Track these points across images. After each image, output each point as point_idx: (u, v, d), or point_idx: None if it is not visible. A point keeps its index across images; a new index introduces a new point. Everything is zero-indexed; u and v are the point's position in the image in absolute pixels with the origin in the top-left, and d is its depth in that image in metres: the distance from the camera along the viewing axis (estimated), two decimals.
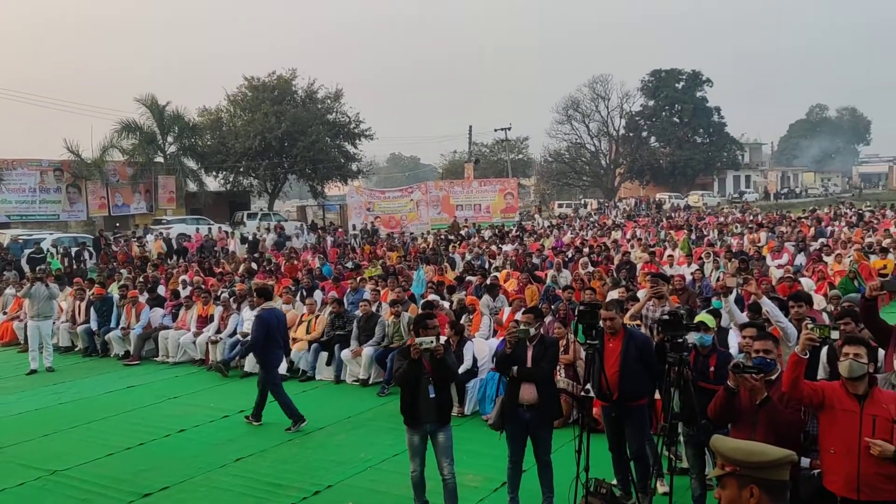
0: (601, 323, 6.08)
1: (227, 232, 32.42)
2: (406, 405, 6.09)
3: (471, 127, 64.08)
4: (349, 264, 20.02)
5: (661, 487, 6.38)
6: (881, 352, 5.39)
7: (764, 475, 2.38)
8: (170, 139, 40.22)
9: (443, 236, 29.64)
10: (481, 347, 9.81)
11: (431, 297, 12.67)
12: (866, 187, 72.56)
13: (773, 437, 4.57)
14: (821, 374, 5.81)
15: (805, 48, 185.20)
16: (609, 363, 6.11)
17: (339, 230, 36.77)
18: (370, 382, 10.88)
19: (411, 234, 32.27)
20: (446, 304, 12.10)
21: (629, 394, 6.04)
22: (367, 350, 10.96)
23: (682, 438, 6.22)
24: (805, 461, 5.01)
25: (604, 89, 69.04)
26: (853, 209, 35.73)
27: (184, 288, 15.75)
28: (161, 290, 16.10)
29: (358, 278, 15.27)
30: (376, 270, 17.93)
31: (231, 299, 13.38)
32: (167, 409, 10.15)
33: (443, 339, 6.55)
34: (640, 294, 10.26)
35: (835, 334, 4.58)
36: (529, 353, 6.18)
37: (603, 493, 5.74)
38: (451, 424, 6.24)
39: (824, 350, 5.87)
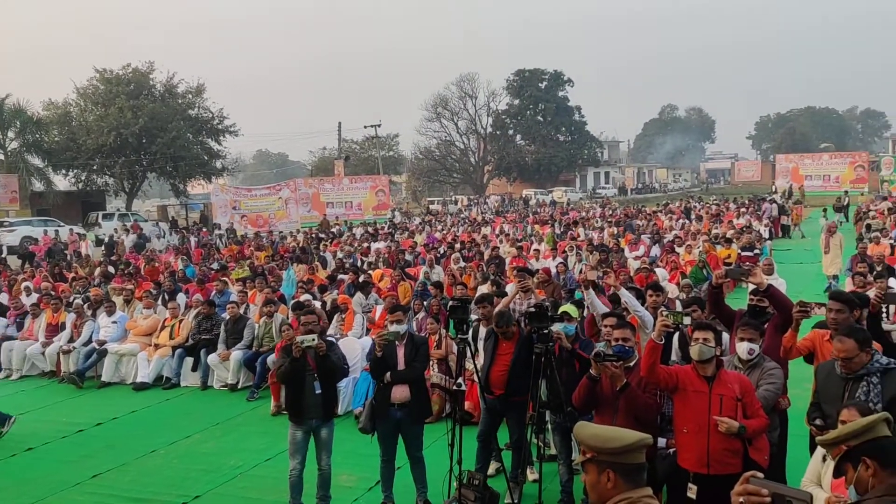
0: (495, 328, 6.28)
1: (79, 234, 30.29)
2: (291, 401, 6.21)
3: (340, 123, 63.65)
4: (214, 265, 19.28)
5: (531, 475, 6.58)
6: (726, 336, 5.80)
7: (619, 459, 2.46)
8: (10, 135, 37.11)
9: (313, 234, 29.16)
10: (353, 346, 9.72)
11: (303, 297, 12.43)
12: (712, 182, 78.09)
13: (633, 421, 4.83)
14: (674, 358, 6.19)
15: (656, 51, 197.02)
16: (500, 362, 6.30)
17: (204, 230, 35.32)
18: (239, 387, 10.52)
19: (280, 232, 31.48)
20: (318, 304, 11.91)
21: (515, 391, 6.23)
22: (236, 354, 10.59)
23: (549, 426, 6.45)
24: (662, 441, 5.32)
25: (471, 88, 70.44)
26: (702, 203, 38.31)
27: (28, 295, 14.58)
28: (4, 297, 14.84)
29: (223, 279, 14.73)
30: (244, 271, 17.35)
31: (85, 305, 12.53)
32: (13, 426, 9.36)
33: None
34: (509, 288, 10.54)
35: (686, 320, 4.89)
36: (401, 354, 6.21)
37: (476, 485, 5.84)
38: (334, 420, 6.37)
39: (676, 335, 6.26)
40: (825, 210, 28.91)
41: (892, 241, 16.55)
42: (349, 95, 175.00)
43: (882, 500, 2.59)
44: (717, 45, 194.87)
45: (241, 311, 11.32)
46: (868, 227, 20.62)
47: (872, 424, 2.84)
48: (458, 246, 20.02)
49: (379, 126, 58.47)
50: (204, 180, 46.55)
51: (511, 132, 71.64)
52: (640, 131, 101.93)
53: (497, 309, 6.96)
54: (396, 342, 6.18)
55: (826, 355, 5.00)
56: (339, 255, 20.64)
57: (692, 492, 4.51)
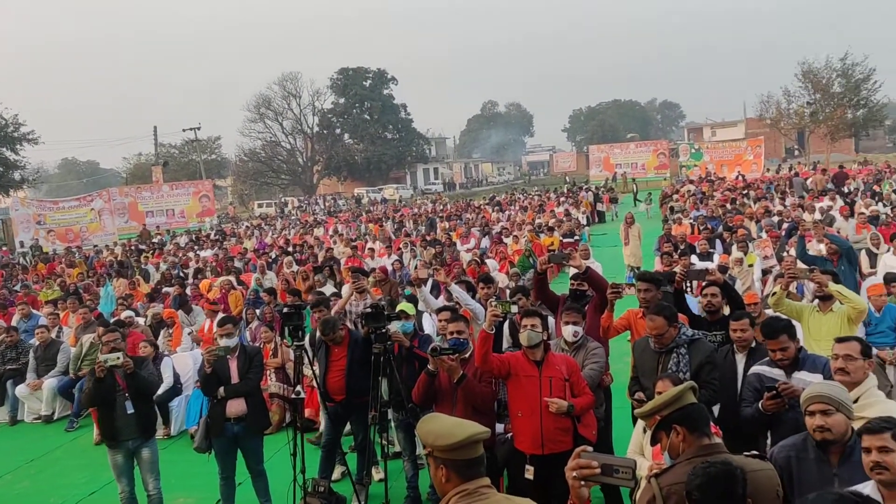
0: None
1: None
2: (104, 424, 5.95)
3: (156, 128, 60.06)
4: (17, 287, 17.54)
5: (377, 475, 6.58)
6: (551, 320, 6.11)
7: (451, 456, 2.48)
8: None
9: (132, 246, 27.36)
10: (184, 362, 9.23)
11: (124, 314, 11.60)
12: (534, 174, 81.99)
13: (472, 410, 4.97)
14: (506, 345, 6.43)
15: (476, 49, 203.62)
16: (335, 369, 6.26)
17: (3, 248, 32.01)
18: (55, 418, 9.65)
19: (95, 246, 29.19)
20: (141, 321, 11.18)
21: (355, 393, 6.19)
22: (49, 382, 9.70)
23: (393, 424, 6.49)
24: (500, 427, 5.52)
25: (294, 87, 69.14)
26: (527, 195, 40.15)
27: None
28: None
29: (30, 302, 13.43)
30: (53, 292, 15.92)
31: None
32: None
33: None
34: (345, 290, 10.46)
35: (514, 308, 5.09)
36: (234, 367, 5.98)
37: (321, 492, 5.76)
38: (155, 438, 6.13)
39: (506, 324, 6.50)
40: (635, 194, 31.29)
41: (692, 222, 18.14)
42: (165, 97, 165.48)
43: (692, 461, 2.83)
44: (533, 41, 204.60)
45: (53, 334, 10.38)
46: (672, 209, 22.54)
47: (680, 394, 3.10)
48: (290, 249, 19.60)
49: (199, 129, 55.91)
50: (1, 194, 42.18)
51: (338, 131, 71.17)
52: (464, 127, 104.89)
53: (327, 315, 6.88)
54: (228, 356, 5.95)
55: (641, 332, 5.40)
56: (164, 266, 19.52)
57: (530, 473, 4.71)
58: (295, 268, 15.69)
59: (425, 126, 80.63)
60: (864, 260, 10.73)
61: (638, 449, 4.31)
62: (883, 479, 2.79)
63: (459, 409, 5.00)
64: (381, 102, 69.45)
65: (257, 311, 10.66)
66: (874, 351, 6.85)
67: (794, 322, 4.98)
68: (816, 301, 6.15)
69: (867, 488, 2.83)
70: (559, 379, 4.73)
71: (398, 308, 6.53)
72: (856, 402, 3.47)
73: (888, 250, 10.40)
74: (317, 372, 6.36)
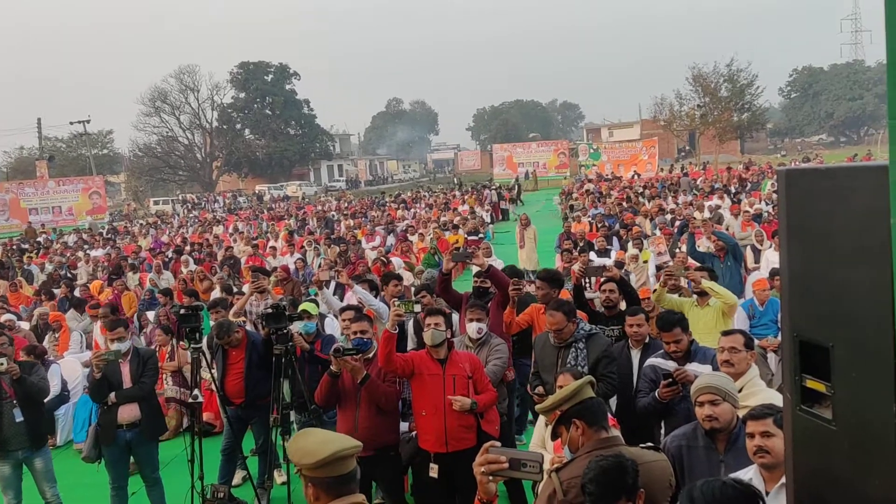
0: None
1: None
2: None
3: (39, 119, 56.66)
4: None
5: (280, 478, 6.46)
6: (455, 317, 6.16)
7: (317, 474, 2.41)
8: None
9: (14, 246, 25.71)
10: (72, 368, 8.74)
11: (4, 317, 10.87)
12: (439, 172, 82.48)
13: (375, 410, 4.94)
14: (410, 344, 6.43)
15: (380, 46, 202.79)
16: (233, 372, 6.12)
17: None
18: None
19: None
20: (24, 325, 10.52)
21: (256, 396, 6.07)
22: None
23: (295, 426, 6.37)
24: (404, 426, 5.51)
25: (192, 80, 66.79)
26: (432, 193, 40.32)
27: None
28: None
29: None
30: None
31: None
32: None
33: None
34: (245, 289, 10.19)
35: (417, 308, 5.09)
36: (126, 372, 5.71)
37: (221, 498, 5.57)
38: (48, 447, 5.89)
39: (410, 322, 6.50)
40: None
41: (590, 220, 18.70)
42: (51, 88, 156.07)
43: (591, 454, 2.91)
44: (438, 39, 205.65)
45: None
46: (572, 207, 23.19)
47: (578, 389, 3.17)
48: (188, 248, 18.93)
49: (88, 122, 53.19)
50: None
51: (239, 126, 69.27)
52: (369, 124, 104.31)
53: (223, 317, 6.69)
54: (120, 360, 5.67)
55: (542, 327, 5.51)
56: (49, 267, 18.45)
57: (434, 471, 4.72)
58: (193, 267, 15.17)
59: (329, 122, 79.71)
60: (749, 256, 11.36)
61: (540, 443, 4.40)
62: (765, 462, 2.95)
63: (363, 409, 4.96)
64: (283, 98, 68.06)
65: (150, 315, 10.25)
66: (756, 342, 7.30)
67: None
68: (695, 296, 6.46)
69: (749, 473, 2.99)
70: (463, 377, 4.76)
71: (300, 308, 6.42)
72: (740, 391, 3.65)
73: (770, 246, 11.06)
74: (215, 375, 6.16)
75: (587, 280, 8.21)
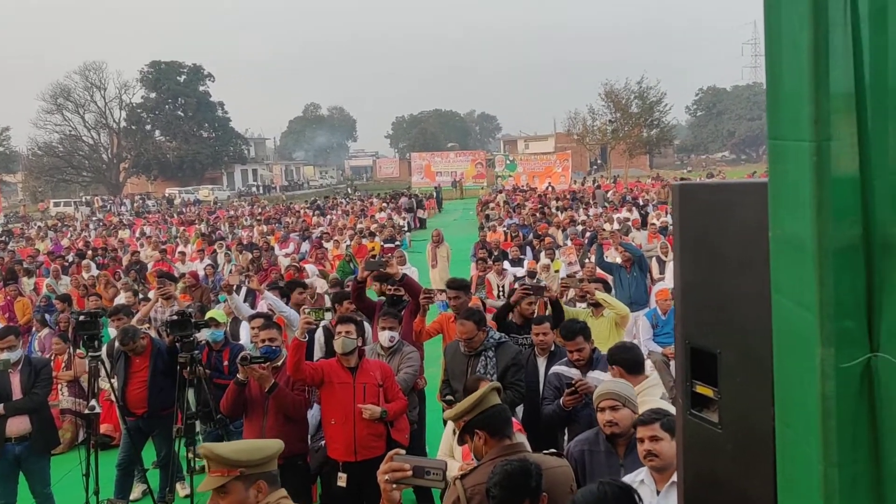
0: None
1: None
2: None
3: None
4: None
5: (182, 490, 6.24)
6: (367, 326, 6.12)
7: (262, 469, 2.50)
8: None
9: None
10: None
11: None
12: (357, 179, 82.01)
13: (283, 420, 4.86)
14: (318, 353, 6.35)
15: (299, 50, 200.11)
16: (136, 380, 5.91)
17: None
18: None
19: None
20: None
21: (159, 406, 5.89)
22: None
23: (200, 437, 6.18)
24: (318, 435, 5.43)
25: (98, 78, 64.14)
26: (349, 200, 40.05)
27: None
28: None
29: None
30: None
31: None
32: None
33: None
34: (151, 295, 9.84)
35: (328, 315, 5.04)
36: (16, 382, 5.42)
37: None
38: None
39: (320, 331, 6.42)
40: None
41: (505, 229, 18.97)
42: None
43: (493, 461, 2.95)
44: (357, 45, 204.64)
45: None
46: (487, 216, 23.46)
47: (482, 397, 3.21)
48: (90, 252, 18.12)
49: None
50: None
51: (149, 127, 66.95)
52: (285, 129, 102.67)
53: (127, 323, 6.45)
54: (10, 370, 5.37)
55: (452, 336, 5.55)
56: None
57: (342, 480, 4.68)
58: (95, 272, 14.54)
59: (244, 126, 78.04)
60: (654, 266, 11.77)
61: (448, 451, 4.42)
62: (654, 465, 3.06)
63: (271, 418, 4.86)
64: (196, 99, 66.22)
65: (48, 319, 9.76)
66: (659, 350, 7.57)
67: None
68: (590, 307, 6.64)
69: (641, 474, 3.10)
70: (373, 385, 4.74)
71: (208, 315, 6.24)
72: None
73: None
74: (115, 385, 5.92)
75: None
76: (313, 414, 5.45)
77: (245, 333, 7.64)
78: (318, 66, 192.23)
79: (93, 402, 5.66)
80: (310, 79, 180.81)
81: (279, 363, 5.09)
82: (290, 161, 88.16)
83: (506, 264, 12.75)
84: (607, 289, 6.83)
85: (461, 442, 3.24)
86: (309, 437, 5.41)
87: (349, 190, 53.18)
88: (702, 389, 2.19)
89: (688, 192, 2.25)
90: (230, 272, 12.66)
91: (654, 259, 12.03)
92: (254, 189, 64.18)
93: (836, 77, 1.41)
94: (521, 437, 3.96)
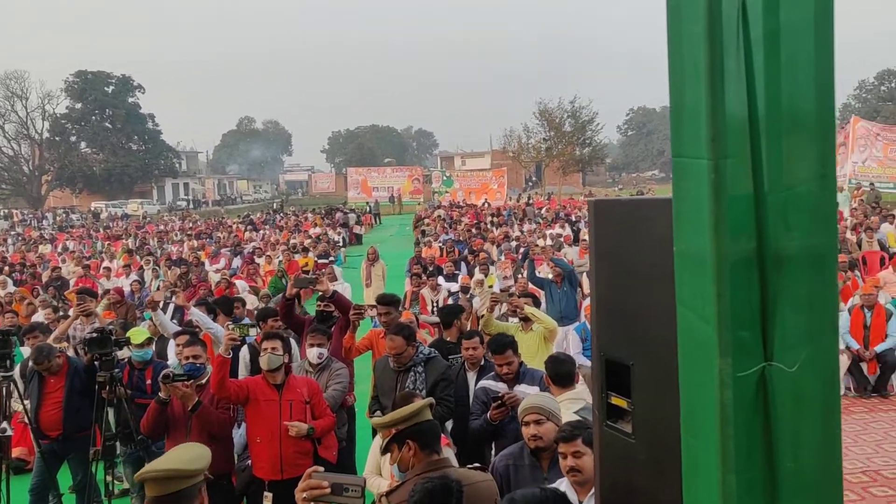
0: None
1: None
2: None
3: None
4: None
5: None
6: (294, 342, 6.04)
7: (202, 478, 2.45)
8: None
9: None
10: None
11: None
12: (292, 194, 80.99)
13: (207, 438, 4.71)
14: (243, 371, 6.22)
15: (232, 62, 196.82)
16: (50, 401, 5.67)
17: None
18: None
19: None
20: None
21: (75, 427, 5.65)
22: None
23: (121, 458, 5.97)
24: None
25: (20, 87, 61.77)
26: (283, 214, 39.53)
27: None
28: None
29: None
30: None
31: None
32: None
33: None
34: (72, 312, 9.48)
35: (253, 332, 4.95)
36: None
37: None
38: None
39: (245, 347, 6.29)
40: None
41: (441, 245, 19.03)
42: None
43: (421, 476, 2.94)
44: (292, 57, 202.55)
45: None
46: (423, 232, 23.51)
47: (419, 409, 3.22)
48: (7, 268, 17.35)
49: None
50: None
51: (74, 139, 64.71)
52: (218, 142, 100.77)
53: (42, 341, 6.20)
54: None
55: (382, 352, 5.52)
56: None
57: (268, 499, 4.58)
58: (12, 289, 13.94)
59: (176, 139, 76.21)
60: (585, 282, 11.99)
61: (375, 468, 4.38)
62: (577, 480, 3.10)
63: (194, 437, 4.72)
64: (125, 111, 64.36)
65: None
66: (588, 363, 7.68)
67: None
68: (520, 321, 6.71)
69: (562, 484, 3.14)
70: (300, 402, 4.68)
71: (128, 333, 6.05)
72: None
73: None
74: (28, 406, 5.66)
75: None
76: (241, 433, 5.34)
77: (173, 351, 7.44)
78: (254, 79, 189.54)
79: (3, 425, 5.41)
80: (244, 92, 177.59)
81: (203, 381, 4.96)
82: (224, 175, 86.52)
83: (440, 280, 12.79)
84: (537, 303, 6.91)
85: (385, 451, 3.22)
86: (236, 455, 5.30)
87: (276, 206, 51.97)
88: (616, 401, 2.24)
89: (602, 208, 2.31)
90: (157, 288, 12.31)
91: (584, 274, 12.25)
92: (183, 203, 62.58)
93: (730, 98, 1.47)
94: (448, 453, 3.96)
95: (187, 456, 2.66)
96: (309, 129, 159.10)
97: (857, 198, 23.06)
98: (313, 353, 5.34)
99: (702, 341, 1.56)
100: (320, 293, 6.09)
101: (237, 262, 18.44)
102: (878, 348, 8.14)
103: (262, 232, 27.78)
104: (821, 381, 1.51)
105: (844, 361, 8.11)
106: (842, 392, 8.13)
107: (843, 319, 8.74)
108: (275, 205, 53.19)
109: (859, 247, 14.38)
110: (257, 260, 17.72)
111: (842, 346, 8.33)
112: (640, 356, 2.11)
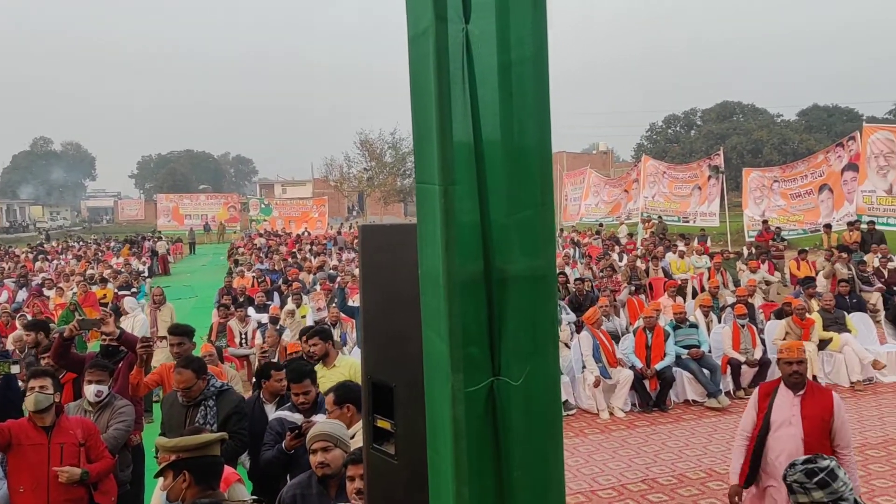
0: None
1: None
2: None
3: None
4: None
5: None
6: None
7: None
8: None
9: None
10: None
11: None
12: (96, 221, 75.04)
13: None
14: None
15: (25, 78, 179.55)
16: None
17: None
18: None
19: None
20: None
21: None
22: None
23: None
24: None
25: None
26: (82, 243, 36.52)
27: None
28: None
29: None
30: None
31: None
32: None
33: None
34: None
35: (15, 369, 4.51)
36: None
37: None
38: None
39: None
40: None
41: (254, 275, 18.39)
42: None
43: None
44: (94, 72, 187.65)
45: None
46: (236, 261, 22.69)
47: (209, 442, 3.08)
48: None
49: None
50: None
51: None
52: (8, 164, 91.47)
53: None
54: None
55: (171, 386, 5.23)
56: None
57: None
58: None
59: None
60: None
61: None
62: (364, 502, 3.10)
63: None
64: None
65: None
66: None
67: None
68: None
69: None
70: (72, 444, 4.29)
71: None
72: (353, 438, 3.82)
73: None
74: None
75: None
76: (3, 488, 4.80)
77: None
78: (50, 97, 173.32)
79: None
80: (39, 112, 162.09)
81: None
82: (14, 199, 78.55)
83: (250, 310, 12.41)
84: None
85: (158, 475, 3.06)
86: None
87: (42, 239, 45.96)
88: (382, 423, 2.27)
89: (368, 233, 2.35)
90: None
91: None
92: None
93: (457, 127, 1.56)
94: (239, 488, 3.81)
95: None
96: (116, 152, 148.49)
97: (649, 230, 25.35)
98: (91, 391, 4.93)
99: (439, 359, 1.63)
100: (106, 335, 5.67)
101: (23, 294, 16.76)
102: (658, 366, 8.91)
103: (55, 262, 25.46)
104: (544, 392, 1.62)
105: (628, 379, 8.79)
106: (627, 408, 8.83)
107: (628, 340, 9.51)
108: (45, 237, 47.16)
109: (647, 274, 15.80)
110: (46, 292, 16.20)
111: (626, 365, 9.05)
112: (402, 378, 2.15)
